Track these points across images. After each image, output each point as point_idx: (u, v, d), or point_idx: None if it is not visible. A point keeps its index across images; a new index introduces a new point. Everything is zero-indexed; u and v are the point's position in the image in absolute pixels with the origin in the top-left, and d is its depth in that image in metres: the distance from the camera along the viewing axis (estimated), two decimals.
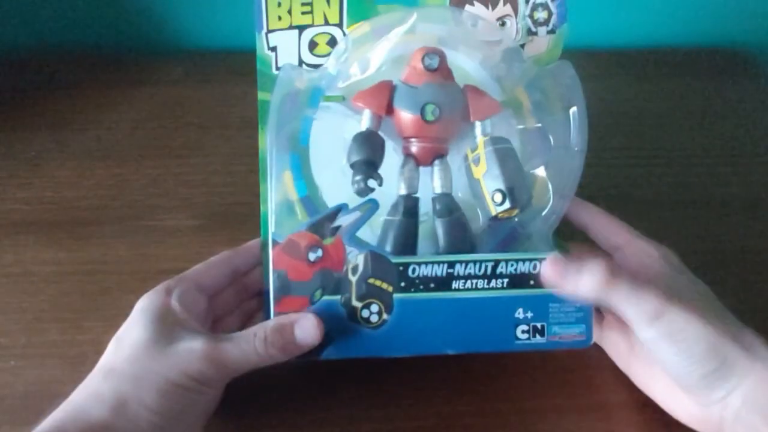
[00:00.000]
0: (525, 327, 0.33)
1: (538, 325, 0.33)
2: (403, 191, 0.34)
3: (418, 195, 0.34)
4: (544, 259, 0.33)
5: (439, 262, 0.33)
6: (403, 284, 0.33)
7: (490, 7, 0.37)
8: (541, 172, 0.36)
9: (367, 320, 0.33)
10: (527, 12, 0.37)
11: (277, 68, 0.36)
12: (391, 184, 0.34)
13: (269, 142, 0.34)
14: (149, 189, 0.49)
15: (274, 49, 0.36)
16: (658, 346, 0.30)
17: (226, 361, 0.31)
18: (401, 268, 0.33)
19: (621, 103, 0.59)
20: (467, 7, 0.37)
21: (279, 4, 0.36)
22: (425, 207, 0.35)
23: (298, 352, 0.32)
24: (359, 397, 0.36)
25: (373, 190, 0.33)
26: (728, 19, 0.67)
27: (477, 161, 0.34)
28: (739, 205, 0.49)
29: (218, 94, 0.58)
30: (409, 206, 0.34)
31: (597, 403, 0.36)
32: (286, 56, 0.36)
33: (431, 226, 0.34)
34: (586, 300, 0.32)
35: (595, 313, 0.35)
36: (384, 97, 0.34)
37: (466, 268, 0.33)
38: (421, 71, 0.33)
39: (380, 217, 0.34)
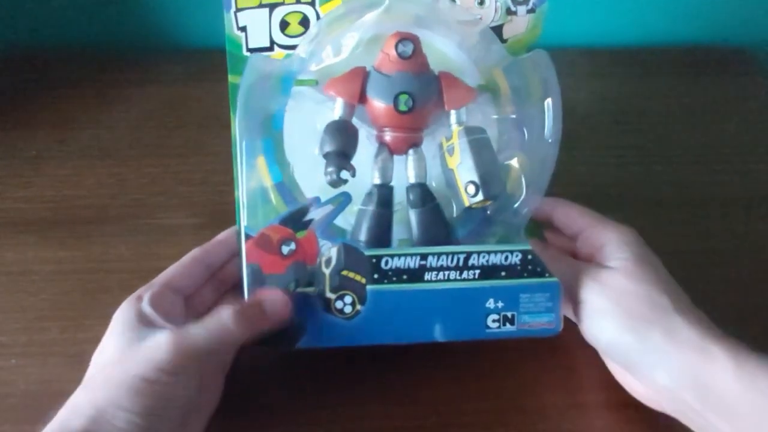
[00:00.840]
0: (495, 316, 0.34)
1: (509, 314, 0.34)
2: (377, 180, 0.34)
3: (392, 184, 0.34)
4: (516, 250, 0.33)
5: (411, 254, 0.33)
6: (376, 276, 0.33)
7: None
8: (515, 163, 0.36)
9: (341, 311, 0.33)
10: None
11: (248, 49, 0.35)
12: (365, 173, 0.34)
13: (238, 129, 0.34)
14: (149, 188, 0.49)
15: (243, 29, 0.35)
16: (581, 324, 0.34)
17: (195, 345, 0.30)
18: (374, 260, 0.33)
19: (621, 101, 0.59)
20: None
21: None
22: (400, 196, 0.35)
23: (267, 325, 0.32)
24: (359, 396, 0.36)
25: (346, 181, 0.33)
26: (729, 16, 0.67)
27: (451, 151, 0.34)
28: (739, 203, 0.49)
29: (218, 93, 0.57)
30: (383, 196, 0.34)
31: (598, 401, 0.36)
32: (256, 36, 0.35)
33: (406, 215, 0.35)
34: None
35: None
36: (357, 85, 0.33)
37: (438, 259, 0.33)
38: (394, 59, 0.33)
39: (355, 206, 0.34)
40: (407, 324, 0.33)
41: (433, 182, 0.35)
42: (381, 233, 0.34)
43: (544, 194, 0.36)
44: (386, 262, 0.33)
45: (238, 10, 0.34)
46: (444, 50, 0.35)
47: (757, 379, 0.29)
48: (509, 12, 0.35)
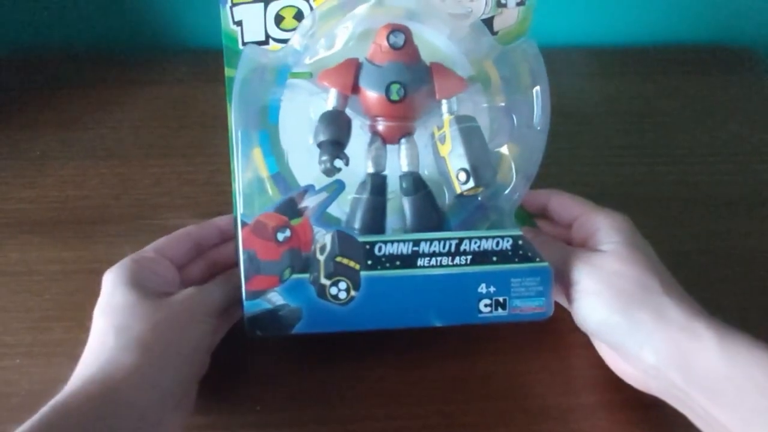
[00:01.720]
0: (488, 301, 0.34)
1: (500, 299, 0.34)
2: (370, 169, 0.35)
3: (385, 173, 0.35)
4: (507, 236, 0.34)
5: (404, 241, 0.34)
6: (369, 262, 0.33)
7: None
8: (505, 150, 0.36)
9: (336, 297, 0.33)
10: None
11: (244, 44, 0.35)
12: (358, 162, 0.34)
13: (234, 121, 0.34)
14: (154, 188, 0.49)
15: (239, 23, 0.35)
16: (572, 305, 0.34)
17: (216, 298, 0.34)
18: (368, 246, 0.33)
19: (625, 100, 0.59)
20: None
21: None
22: (393, 185, 0.35)
23: None
24: (361, 396, 0.36)
25: (339, 170, 0.33)
26: (733, 16, 0.66)
27: (443, 139, 0.34)
28: (743, 203, 0.49)
29: (222, 94, 0.57)
30: (377, 184, 0.35)
31: (601, 401, 0.36)
32: (252, 31, 0.35)
33: (399, 203, 0.35)
34: None
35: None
36: (350, 75, 0.34)
37: (430, 245, 0.34)
38: (386, 49, 0.33)
39: (349, 195, 0.35)
40: (401, 309, 0.34)
41: (426, 171, 0.36)
42: (375, 221, 0.34)
43: (533, 180, 0.36)
44: (380, 249, 0.33)
45: (233, 5, 0.35)
46: (435, 43, 0.36)
47: (740, 356, 0.29)
48: (499, 4, 0.36)
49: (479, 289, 0.34)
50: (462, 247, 0.34)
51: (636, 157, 0.52)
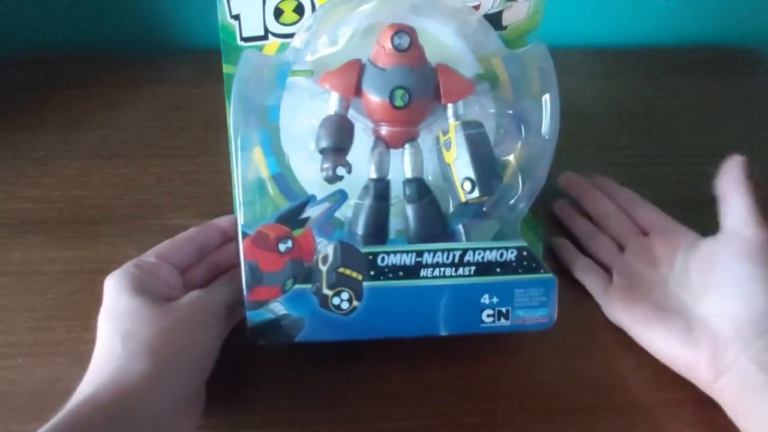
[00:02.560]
0: (490, 311, 0.34)
1: (503, 309, 0.34)
2: (373, 174, 0.34)
3: (389, 178, 0.34)
4: (511, 247, 0.33)
5: (407, 251, 0.33)
6: (372, 273, 0.33)
7: None
8: (511, 158, 0.36)
9: (338, 307, 0.33)
10: None
11: (242, 38, 0.35)
12: (361, 166, 0.34)
13: (234, 121, 0.33)
14: (156, 188, 0.49)
15: (237, 17, 0.34)
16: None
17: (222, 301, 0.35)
18: (371, 257, 0.33)
19: (628, 101, 0.58)
20: None
21: None
22: (397, 189, 0.35)
23: None
24: (364, 396, 0.36)
25: (341, 178, 0.33)
26: (737, 16, 0.66)
27: (448, 146, 0.34)
28: None
29: (224, 93, 0.58)
30: (380, 190, 0.34)
31: (603, 403, 0.36)
32: (250, 25, 0.34)
33: (403, 207, 0.35)
34: None
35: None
36: (352, 78, 0.33)
37: (434, 256, 0.33)
38: (390, 52, 0.32)
39: (351, 200, 0.34)
40: (403, 319, 0.34)
41: (430, 176, 0.35)
42: (378, 227, 0.34)
43: (540, 190, 0.35)
44: (382, 259, 0.33)
45: None
46: (441, 38, 0.35)
47: None
48: None
49: (482, 300, 0.34)
50: (466, 258, 0.33)
51: (639, 158, 0.52)
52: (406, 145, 0.34)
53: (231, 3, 0.34)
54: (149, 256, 0.36)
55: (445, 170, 0.34)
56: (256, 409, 0.35)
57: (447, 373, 0.37)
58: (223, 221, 0.39)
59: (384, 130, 0.34)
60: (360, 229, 0.34)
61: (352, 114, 0.34)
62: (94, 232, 0.45)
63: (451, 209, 0.36)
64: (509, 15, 0.35)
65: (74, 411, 0.28)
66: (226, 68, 0.35)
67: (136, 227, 0.45)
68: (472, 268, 0.34)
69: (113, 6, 0.63)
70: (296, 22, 0.34)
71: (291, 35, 0.35)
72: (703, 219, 0.45)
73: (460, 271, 0.34)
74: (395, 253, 0.33)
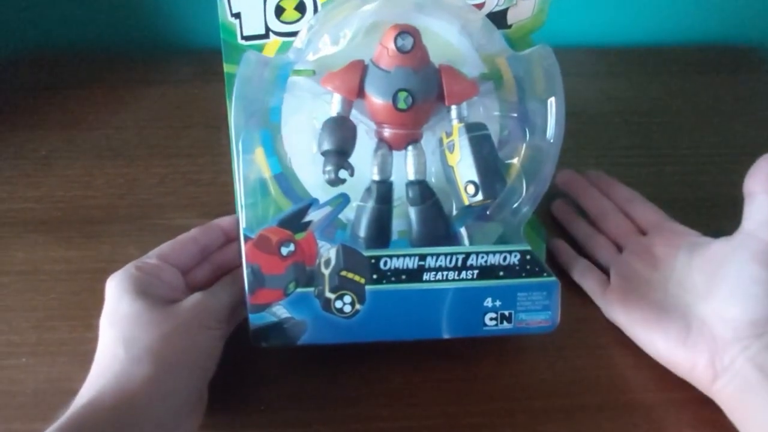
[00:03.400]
0: (493, 315, 0.34)
1: (506, 312, 0.34)
2: (376, 176, 0.34)
3: (392, 179, 0.34)
4: (515, 251, 0.33)
5: (410, 255, 0.33)
6: (375, 276, 0.33)
7: None
8: (516, 162, 0.35)
9: (341, 310, 0.33)
10: None
11: (243, 37, 0.34)
12: (364, 168, 0.34)
13: (235, 121, 0.33)
14: (158, 188, 0.49)
15: (237, 15, 0.34)
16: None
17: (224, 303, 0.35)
18: (373, 260, 0.33)
19: (631, 101, 0.58)
20: None
21: None
22: (399, 191, 0.35)
23: None
24: (366, 396, 0.36)
25: (344, 181, 0.33)
26: (739, 15, 0.66)
27: (451, 148, 0.33)
28: None
29: (225, 93, 0.58)
30: (383, 193, 0.34)
31: (605, 403, 0.36)
32: (251, 23, 0.34)
33: (406, 209, 0.35)
34: None
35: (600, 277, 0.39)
36: (355, 80, 0.33)
37: (437, 260, 0.33)
38: (393, 53, 0.32)
39: (354, 202, 0.34)
40: (406, 322, 0.34)
41: (432, 178, 0.35)
42: (380, 229, 0.34)
43: (544, 193, 0.35)
44: (385, 263, 0.33)
45: None
46: (445, 37, 0.35)
47: None
48: None
49: (485, 303, 0.34)
50: (469, 262, 0.33)
51: (642, 158, 0.52)
52: (409, 147, 0.34)
53: (231, 1, 0.33)
54: (151, 257, 0.36)
55: (448, 173, 0.34)
56: (257, 409, 0.35)
57: (448, 374, 0.37)
58: (224, 221, 0.39)
59: (387, 132, 0.34)
60: (362, 231, 0.34)
61: (354, 115, 0.34)
62: (97, 231, 0.45)
63: (454, 212, 0.35)
64: (514, 13, 0.35)
65: (77, 415, 0.28)
66: (227, 68, 0.35)
67: (138, 227, 0.45)
68: (475, 271, 0.33)
69: (115, 6, 0.64)
70: (298, 20, 0.34)
71: (292, 33, 0.35)
72: (706, 219, 0.45)
73: (463, 274, 0.33)
74: (398, 256, 0.33)
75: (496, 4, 0.35)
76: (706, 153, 0.53)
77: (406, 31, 0.32)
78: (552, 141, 0.34)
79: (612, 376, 0.37)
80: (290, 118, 0.35)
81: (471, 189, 0.33)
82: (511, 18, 0.35)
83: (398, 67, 0.32)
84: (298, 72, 0.35)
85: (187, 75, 0.61)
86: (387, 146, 0.34)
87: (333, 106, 0.33)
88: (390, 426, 0.34)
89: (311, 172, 0.35)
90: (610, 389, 0.36)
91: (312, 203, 0.34)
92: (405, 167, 0.34)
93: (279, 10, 0.34)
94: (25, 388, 0.36)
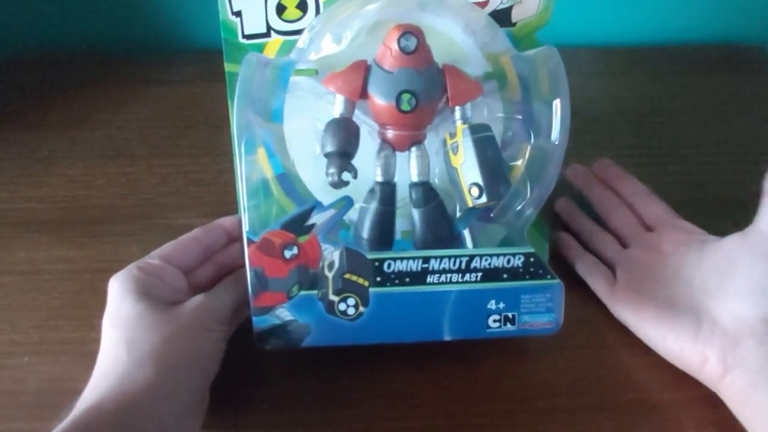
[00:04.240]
0: (497, 317, 0.34)
1: (510, 314, 0.34)
2: (379, 178, 0.34)
3: (395, 181, 0.34)
4: (518, 253, 0.33)
5: (414, 258, 0.33)
6: (378, 279, 0.33)
7: None
8: (520, 164, 0.35)
9: (344, 313, 0.33)
10: None
11: (244, 36, 0.34)
12: (367, 168, 0.34)
13: (237, 121, 0.33)
14: (160, 188, 0.49)
15: (238, 14, 0.33)
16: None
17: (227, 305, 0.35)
18: (377, 263, 0.33)
19: (633, 100, 0.58)
20: None
21: None
22: (403, 192, 0.34)
23: None
24: (368, 396, 0.36)
25: (347, 183, 0.33)
26: (742, 15, 0.66)
27: (455, 149, 0.33)
28: (753, 204, 0.48)
29: (227, 93, 0.58)
30: (386, 194, 0.34)
31: (607, 403, 0.35)
32: (252, 22, 0.33)
33: (409, 210, 0.35)
34: None
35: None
36: (358, 80, 0.32)
37: (440, 263, 0.33)
38: (396, 54, 0.32)
39: (357, 203, 0.34)
40: (409, 325, 0.34)
41: (436, 179, 0.35)
42: (384, 231, 0.34)
43: (549, 195, 0.35)
44: (389, 266, 0.33)
45: None
46: (449, 36, 0.34)
47: None
48: None
49: (489, 305, 0.34)
50: (473, 264, 0.33)
51: (643, 157, 0.52)
52: (413, 148, 0.34)
53: (232, 0, 0.33)
54: (153, 257, 0.35)
55: (452, 174, 0.34)
56: (259, 409, 0.35)
57: (451, 374, 0.37)
58: (226, 221, 0.39)
59: (390, 134, 0.34)
60: (366, 233, 0.34)
61: (357, 115, 0.34)
62: (99, 231, 0.45)
63: (458, 213, 0.35)
64: (519, 11, 0.35)
65: (79, 419, 0.28)
66: (228, 67, 0.35)
67: (140, 227, 0.46)
68: (479, 274, 0.33)
69: (118, 6, 0.64)
70: (299, 19, 0.34)
71: (294, 32, 0.34)
72: (707, 219, 0.45)
73: (467, 277, 0.33)
74: (402, 259, 0.33)
75: (500, 2, 0.35)
76: (708, 152, 0.53)
77: (409, 31, 0.32)
78: (557, 143, 0.33)
79: (614, 376, 0.36)
80: (292, 118, 0.35)
81: (475, 191, 0.33)
82: (515, 16, 0.35)
83: (402, 68, 0.32)
84: (300, 72, 0.34)
85: (189, 75, 0.61)
86: (390, 147, 0.34)
87: (336, 107, 0.33)
88: (392, 426, 0.34)
89: (313, 173, 0.35)
90: (612, 389, 0.36)
91: (315, 206, 0.34)
92: (408, 168, 0.34)
93: (280, 9, 0.34)
94: (28, 388, 0.36)
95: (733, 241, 0.35)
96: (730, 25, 0.66)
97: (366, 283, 0.33)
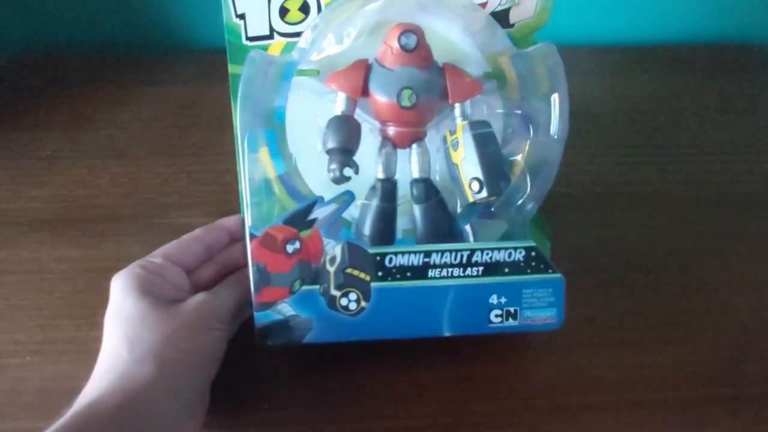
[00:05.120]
0: (498, 311, 0.34)
1: (512, 309, 0.34)
2: (380, 175, 0.34)
3: (396, 178, 0.34)
4: (519, 247, 0.33)
5: (415, 252, 0.33)
6: (380, 273, 0.33)
7: None
8: (519, 158, 0.35)
9: (346, 308, 0.33)
10: None
11: (247, 38, 0.34)
12: (368, 166, 0.34)
13: (240, 121, 0.33)
14: (162, 187, 0.49)
15: (242, 16, 0.34)
16: None
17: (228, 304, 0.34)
18: (378, 257, 0.33)
19: (635, 99, 0.58)
20: None
21: None
22: (404, 189, 0.35)
23: None
24: (369, 395, 0.36)
25: (349, 179, 0.33)
26: (745, 14, 0.66)
27: (456, 146, 0.34)
28: (755, 202, 0.48)
29: (230, 93, 0.58)
30: (387, 191, 0.34)
31: (608, 402, 0.35)
32: (255, 24, 0.34)
33: (410, 207, 0.35)
34: None
35: None
36: (359, 79, 0.33)
37: (442, 257, 0.33)
38: (397, 51, 0.32)
39: (358, 200, 0.34)
40: (411, 320, 0.34)
41: (437, 176, 0.35)
42: (385, 228, 0.34)
43: (549, 190, 0.35)
44: (390, 260, 0.33)
45: None
46: (449, 37, 0.35)
47: None
48: None
49: (490, 300, 0.34)
50: (474, 259, 0.33)
51: (646, 156, 0.52)
52: (414, 145, 0.34)
53: (236, 2, 0.34)
54: (155, 256, 0.36)
55: (452, 170, 0.34)
56: (261, 408, 0.35)
57: (452, 372, 0.37)
58: (229, 221, 0.39)
59: (391, 131, 0.34)
60: (367, 230, 0.34)
61: (358, 114, 0.34)
62: (101, 231, 0.45)
63: (459, 209, 0.35)
64: (516, 13, 0.35)
65: (79, 414, 0.28)
66: (231, 68, 0.35)
67: (142, 226, 0.46)
68: (480, 268, 0.34)
69: (120, 6, 0.64)
70: (302, 21, 0.34)
71: (296, 34, 0.35)
72: (709, 218, 0.45)
73: (468, 271, 0.33)
74: (403, 253, 0.33)
75: (499, 4, 0.35)
76: (709, 152, 0.53)
77: (409, 29, 0.32)
78: (556, 137, 0.34)
79: (616, 375, 0.36)
80: (295, 117, 0.35)
81: (475, 186, 0.33)
82: (513, 17, 0.35)
83: (402, 66, 0.32)
84: (302, 72, 0.35)
85: (191, 75, 0.61)
86: (391, 145, 0.34)
87: (337, 105, 0.34)
88: (393, 425, 0.34)
89: (316, 172, 0.35)
90: (614, 388, 0.36)
91: (317, 201, 0.34)
92: (409, 165, 0.34)
93: (283, 11, 0.34)
94: (30, 387, 0.36)
95: None
96: (733, 24, 0.66)
97: (367, 278, 0.33)
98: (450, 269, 0.33)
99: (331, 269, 0.33)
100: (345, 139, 0.33)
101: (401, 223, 0.35)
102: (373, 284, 0.33)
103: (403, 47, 0.32)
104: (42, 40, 0.66)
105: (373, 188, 0.34)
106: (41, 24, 0.65)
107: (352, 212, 0.35)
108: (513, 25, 0.35)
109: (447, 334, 0.34)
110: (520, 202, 0.35)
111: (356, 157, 0.33)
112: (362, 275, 0.33)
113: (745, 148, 0.53)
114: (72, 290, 0.41)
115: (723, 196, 0.48)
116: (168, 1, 0.64)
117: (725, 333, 0.38)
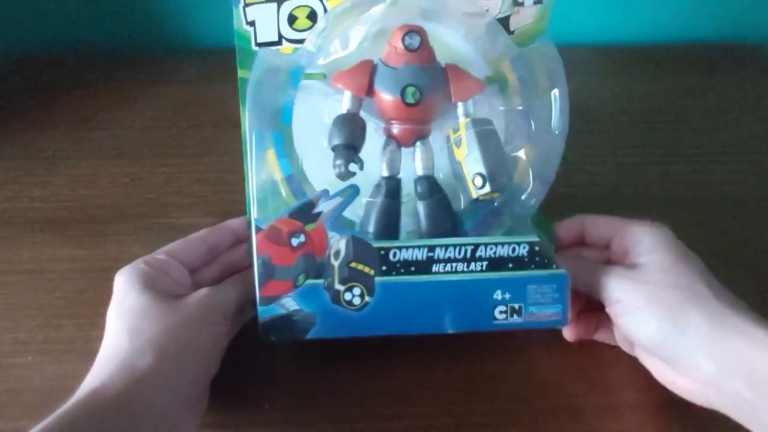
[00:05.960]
0: (503, 308, 0.34)
1: (516, 305, 0.34)
2: (385, 173, 0.34)
3: (400, 176, 0.35)
4: (523, 242, 0.33)
5: (419, 246, 0.33)
6: (384, 268, 0.33)
7: None
8: (522, 154, 0.36)
9: (350, 303, 0.33)
10: None
11: (257, 44, 0.35)
12: (373, 165, 0.34)
13: (248, 122, 0.34)
14: (164, 187, 0.49)
15: (252, 23, 0.35)
16: (618, 323, 0.33)
17: (230, 300, 0.35)
18: (382, 252, 0.33)
19: (637, 100, 0.58)
20: None
21: None
22: (408, 187, 0.35)
23: None
24: (370, 395, 0.36)
25: (354, 174, 0.33)
26: (745, 14, 0.66)
27: (458, 143, 0.34)
28: (756, 203, 0.48)
29: (232, 93, 0.58)
30: (391, 188, 0.34)
31: (609, 403, 0.35)
32: (265, 31, 0.35)
33: (414, 206, 0.35)
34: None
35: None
36: (364, 78, 0.34)
37: (446, 251, 0.33)
38: (401, 51, 0.33)
39: (363, 198, 0.35)
40: (415, 315, 0.34)
41: (441, 174, 0.36)
42: (389, 225, 0.34)
43: (550, 185, 0.35)
44: (394, 254, 0.33)
45: (246, 5, 0.34)
46: (451, 42, 0.35)
47: None
48: (516, 3, 0.35)
49: (495, 296, 0.34)
50: (478, 253, 0.34)
51: (647, 157, 0.52)
52: (417, 143, 0.35)
53: (247, 10, 0.35)
54: (160, 253, 0.36)
55: (456, 168, 0.35)
56: (262, 407, 0.35)
57: (453, 372, 0.37)
58: (234, 222, 0.39)
59: (395, 129, 0.34)
60: (371, 227, 0.34)
61: (363, 115, 0.35)
62: (103, 230, 0.45)
63: (462, 206, 0.36)
64: (516, 20, 0.36)
65: (80, 403, 0.28)
66: (241, 72, 0.36)
67: (143, 226, 0.46)
68: (484, 263, 0.34)
69: (122, 6, 0.64)
70: (309, 28, 0.35)
71: (304, 41, 0.36)
72: (710, 218, 0.45)
73: (472, 266, 0.34)
74: (407, 248, 0.33)
75: (499, 12, 0.35)
76: (711, 152, 0.53)
77: (413, 30, 0.33)
78: (557, 132, 0.34)
79: (617, 376, 0.36)
80: (301, 119, 0.36)
81: (479, 181, 0.33)
82: (513, 25, 0.36)
83: (406, 65, 0.33)
84: (309, 76, 0.35)
85: (193, 75, 0.61)
86: (395, 143, 0.34)
87: (343, 103, 0.34)
88: (394, 425, 0.34)
89: (321, 173, 0.35)
90: (615, 389, 0.36)
91: (322, 195, 0.34)
92: (413, 163, 0.35)
93: (292, 19, 0.35)
94: (32, 386, 0.36)
95: None
96: (734, 24, 0.66)
97: (372, 272, 0.33)
98: (454, 264, 0.33)
99: (336, 263, 0.33)
100: (350, 135, 0.33)
101: (405, 225, 0.35)
102: (378, 279, 0.33)
103: (406, 47, 0.33)
104: (45, 40, 0.66)
105: (377, 186, 0.35)
106: (44, 24, 0.65)
107: (357, 211, 0.35)
108: (513, 32, 0.36)
109: (451, 330, 0.34)
110: (523, 197, 0.35)
111: (361, 156, 0.33)
112: (366, 269, 0.33)
113: (746, 148, 0.53)
114: (73, 290, 0.41)
115: (724, 196, 0.48)
116: (171, 2, 0.64)
117: None
